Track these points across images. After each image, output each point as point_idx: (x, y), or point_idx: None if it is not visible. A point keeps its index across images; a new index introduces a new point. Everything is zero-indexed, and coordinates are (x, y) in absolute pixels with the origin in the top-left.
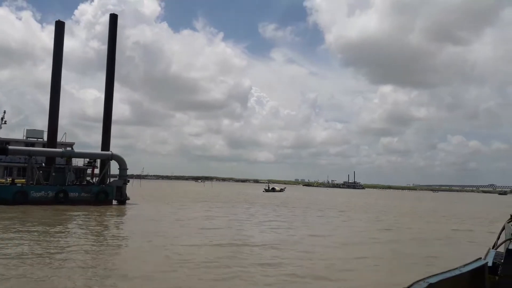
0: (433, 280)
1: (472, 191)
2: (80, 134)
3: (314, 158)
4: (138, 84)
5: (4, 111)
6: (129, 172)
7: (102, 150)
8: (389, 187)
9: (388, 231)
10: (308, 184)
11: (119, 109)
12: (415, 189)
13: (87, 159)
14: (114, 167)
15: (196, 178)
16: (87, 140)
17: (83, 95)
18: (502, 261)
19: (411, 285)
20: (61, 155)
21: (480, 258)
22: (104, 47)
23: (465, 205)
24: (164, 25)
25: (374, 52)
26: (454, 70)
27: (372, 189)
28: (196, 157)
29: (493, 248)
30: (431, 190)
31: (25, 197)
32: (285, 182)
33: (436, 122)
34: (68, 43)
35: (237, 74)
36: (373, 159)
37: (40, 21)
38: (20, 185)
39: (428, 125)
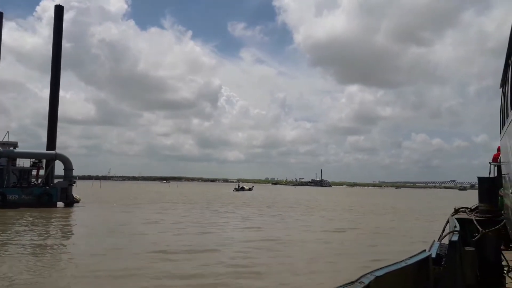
0: (380, 273)
1: (435, 187)
2: (44, 134)
3: (284, 157)
4: (104, 82)
5: None
6: (95, 173)
7: (48, 149)
8: (355, 184)
9: (338, 231)
10: (276, 183)
11: (84, 108)
12: (381, 186)
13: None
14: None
15: (163, 179)
16: None
17: (46, 95)
18: (446, 252)
19: (358, 278)
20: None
21: (425, 250)
22: (69, 45)
23: (427, 201)
24: (131, 22)
25: (342, 52)
26: (418, 70)
27: (339, 186)
28: (165, 157)
29: (438, 240)
30: (395, 186)
31: None
32: (254, 181)
33: (401, 121)
34: (31, 41)
35: (207, 73)
36: (341, 157)
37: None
38: None
39: (394, 123)
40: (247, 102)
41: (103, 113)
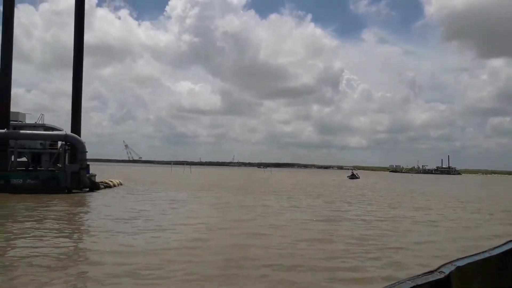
0: (461, 263)
1: None
2: (177, 124)
3: (413, 143)
4: (228, 74)
5: None
6: (220, 159)
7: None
8: (493, 172)
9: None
10: (394, 170)
11: (211, 99)
12: None
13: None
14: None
15: (260, 165)
16: (183, 130)
17: (178, 88)
18: None
19: (438, 268)
20: (4, 135)
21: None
22: (197, 40)
23: None
24: (251, 12)
25: (483, 21)
26: None
27: (473, 174)
28: (285, 145)
29: None
30: None
31: None
32: (373, 169)
33: None
34: (163, 38)
35: (327, 56)
36: (480, 142)
37: (136, 19)
38: None
39: None
40: (368, 85)
41: (227, 103)
